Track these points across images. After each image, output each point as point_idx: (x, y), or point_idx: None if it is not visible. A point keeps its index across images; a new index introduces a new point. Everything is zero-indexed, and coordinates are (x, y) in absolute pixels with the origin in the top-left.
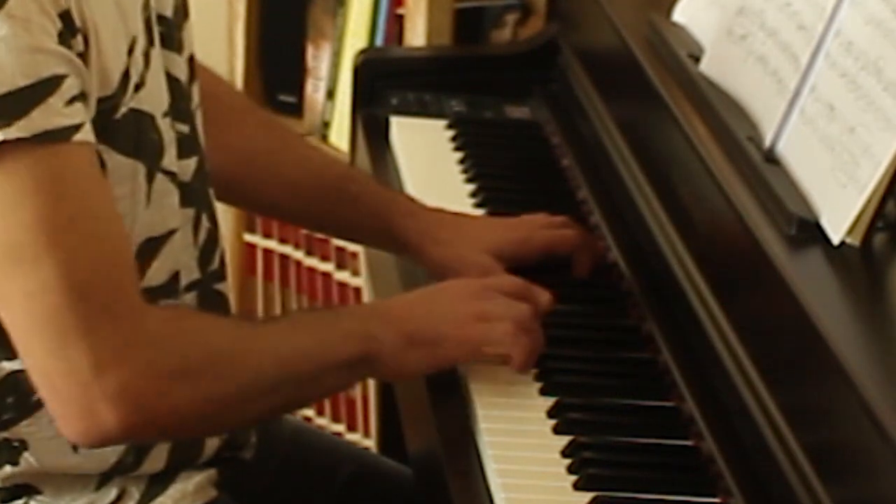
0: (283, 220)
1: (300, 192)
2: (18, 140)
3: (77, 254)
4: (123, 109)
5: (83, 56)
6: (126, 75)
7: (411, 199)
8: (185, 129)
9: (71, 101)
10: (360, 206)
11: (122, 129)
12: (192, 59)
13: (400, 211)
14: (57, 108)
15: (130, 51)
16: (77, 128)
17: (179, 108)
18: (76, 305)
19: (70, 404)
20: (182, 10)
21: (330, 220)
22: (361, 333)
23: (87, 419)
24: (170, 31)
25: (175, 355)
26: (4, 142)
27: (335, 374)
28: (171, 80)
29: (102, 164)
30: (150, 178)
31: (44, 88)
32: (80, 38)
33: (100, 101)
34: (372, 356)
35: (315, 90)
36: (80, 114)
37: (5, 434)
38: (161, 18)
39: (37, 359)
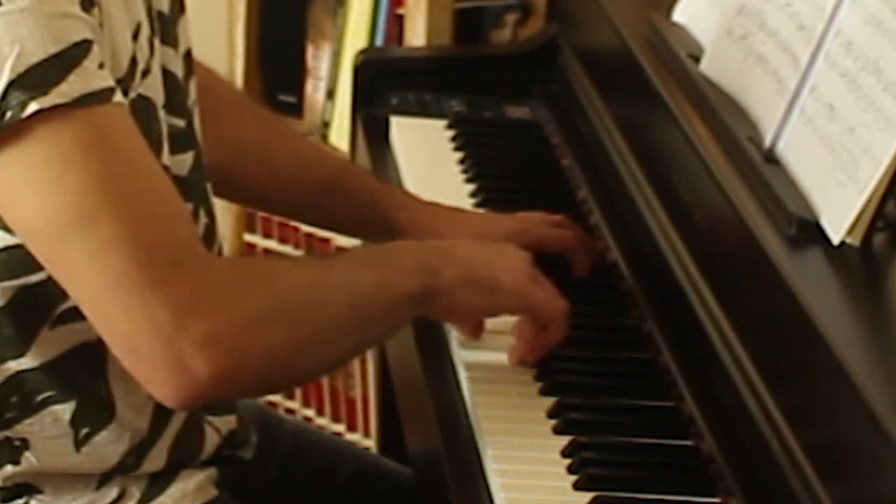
0: (278, 214)
1: (294, 187)
2: (56, 107)
3: (136, 209)
4: (133, 94)
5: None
6: (133, 60)
7: (407, 193)
8: (180, 123)
9: (101, 65)
10: (357, 200)
11: (133, 115)
12: (189, 55)
13: (396, 204)
14: (93, 70)
15: (135, 37)
16: (112, 90)
17: (175, 102)
18: (145, 259)
19: (158, 363)
20: (178, 5)
21: (325, 214)
22: (422, 266)
23: (178, 374)
24: (165, 27)
25: (254, 298)
26: (41, 110)
27: (401, 308)
28: (167, 74)
29: None
30: None
31: (76, 53)
32: (96, 10)
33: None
34: (431, 290)
35: (315, 90)
36: (110, 78)
37: (7, 433)
38: (157, 13)
39: (115, 322)
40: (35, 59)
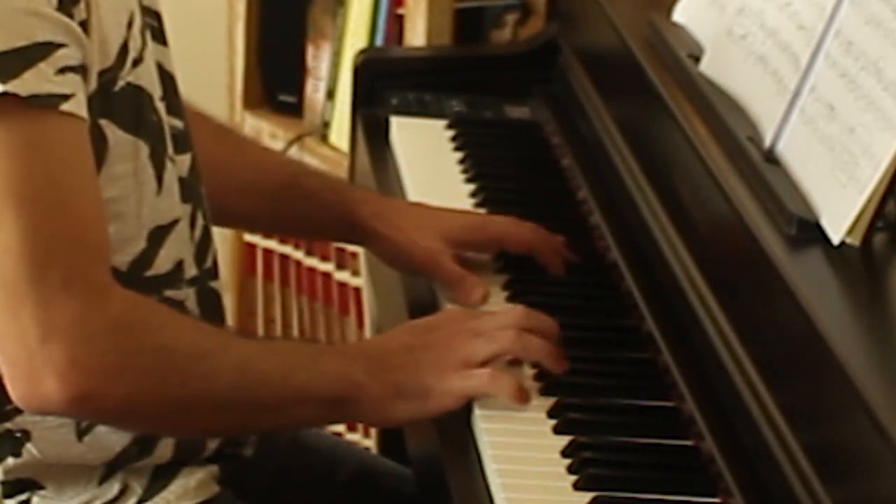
0: (241, 227)
1: (254, 194)
2: (7, 97)
3: (42, 223)
4: (121, 83)
5: (85, 24)
6: (125, 48)
7: (368, 190)
8: (178, 124)
9: (63, 70)
10: (318, 200)
11: (121, 103)
12: None
13: (357, 200)
14: (47, 74)
15: (129, 25)
16: (65, 97)
17: (174, 103)
18: (33, 273)
19: (15, 367)
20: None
21: (288, 218)
22: (343, 376)
23: (29, 385)
24: (160, 25)
25: (129, 342)
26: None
27: (304, 408)
28: (164, 73)
29: (104, 140)
30: (158, 163)
31: (36, 52)
32: (82, 5)
33: (100, 73)
34: (352, 400)
35: (315, 90)
36: (72, 85)
37: (8, 425)
38: (149, 11)
39: None
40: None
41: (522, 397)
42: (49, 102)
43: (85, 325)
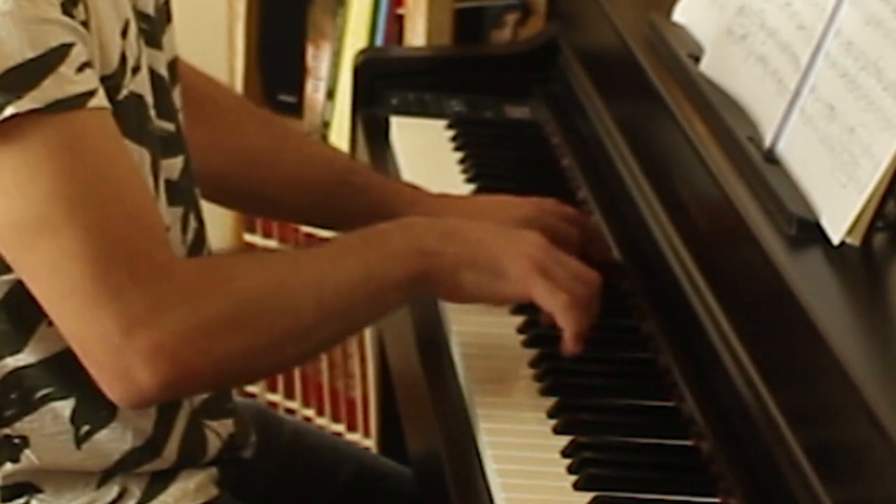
0: (283, 219)
1: (302, 189)
2: (31, 112)
3: (96, 221)
4: (125, 91)
5: (85, 26)
6: (123, 57)
7: (416, 188)
8: (170, 127)
9: (81, 68)
10: (366, 200)
11: (125, 112)
12: (173, 63)
13: (407, 201)
14: (68, 76)
15: (124, 34)
16: (91, 94)
17: (164, 106)
18: (100, 272)
19: (106, 369)
20: (165, 14)
21: (335, 214)
22: (417, 249)
23: (124, 382)
24: (152, 29)
25: (207, 310)
26: (16, 115)
27: (388, 296)
28: (154, 76)
29: None
30: (156, 172)
31: (53, 58)
32: (81, 7)
33: (102, 79)
34: (429, 271)
35: (315, 90)
36: (92, 80)
37: (6, 431)
38: (142, 15)
39: (70, 327)
40: (12, 63)
41: (579, 343)
42: (76, 103)
43: (160, 309)
